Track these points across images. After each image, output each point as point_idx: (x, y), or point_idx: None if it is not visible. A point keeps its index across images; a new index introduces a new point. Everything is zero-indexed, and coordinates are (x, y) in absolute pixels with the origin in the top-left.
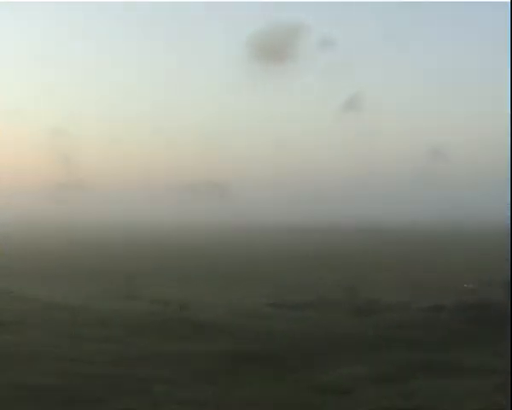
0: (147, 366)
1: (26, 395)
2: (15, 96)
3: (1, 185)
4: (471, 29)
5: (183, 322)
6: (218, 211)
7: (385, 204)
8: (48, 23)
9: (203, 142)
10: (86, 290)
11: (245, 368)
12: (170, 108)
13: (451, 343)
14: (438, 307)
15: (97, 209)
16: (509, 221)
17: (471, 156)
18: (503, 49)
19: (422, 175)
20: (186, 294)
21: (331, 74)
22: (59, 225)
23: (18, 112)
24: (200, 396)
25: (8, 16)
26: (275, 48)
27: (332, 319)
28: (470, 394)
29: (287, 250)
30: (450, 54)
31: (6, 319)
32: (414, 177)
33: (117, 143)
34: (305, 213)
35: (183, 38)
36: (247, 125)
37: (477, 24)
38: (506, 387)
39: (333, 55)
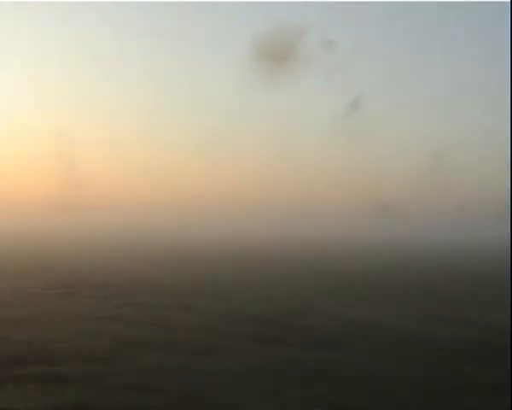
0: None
1: None
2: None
3: None
4: (471, 29)
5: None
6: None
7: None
8: (51, 23)
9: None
10: (392, 310)
11: None
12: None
13: None
14: None
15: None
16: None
17: (471, 158)
18: (503, 49)
19: (423, 179)
20: (497, 317)
21: (335, 75)
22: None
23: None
24: None
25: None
26: (279, 49)
27: None
28: None
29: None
30: (451, 54)
31: (327, 336)
32: (415, 181)
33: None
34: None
35: (186, 39)
36: (249, 124)
37: (477, 24)
38: (506, 387)
39: (336, 57)
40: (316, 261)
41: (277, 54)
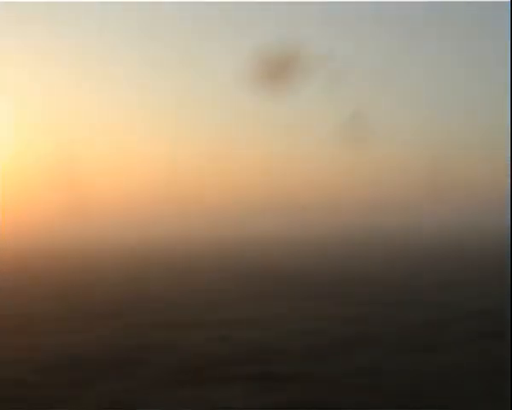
0: None
1: None
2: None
3: None
4: (471, 29)
5: None
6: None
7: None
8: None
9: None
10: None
11: None
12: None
13: None
14: None
15: None
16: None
17: (471, 158)
18: (503, 49)
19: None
20: None
21: (333, 88)
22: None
23: None
24: None
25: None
26: (278, 59)
27: None
28: None
29: None
30: (450, 54)
31: None
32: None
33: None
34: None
35: (183, 53)
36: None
37: (477, 24)
38: (506, 387)
39: (337, 66)
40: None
41: (277, 64)
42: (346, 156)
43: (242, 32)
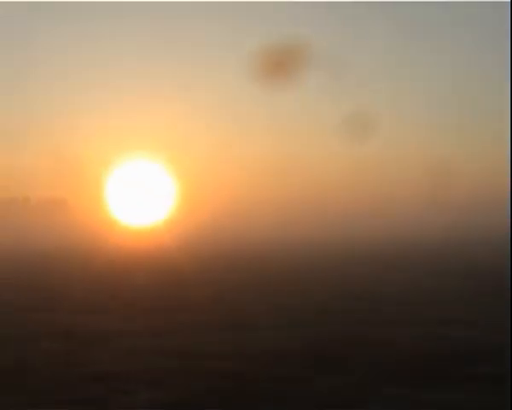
0: None
1: None
2: None
3: None
4: (471, 29)
5: None
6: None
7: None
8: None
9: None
10: None
11: None
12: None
13: None
14: None
15: None
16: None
17: (472, 158)
18: (503, 49)
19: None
20: None
21: (337, 82)
22: None
23: None
24: None
25: None
26: (276, 61)
27: None
28: None
29: None
30: (450, 54)
31: None
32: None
33: None
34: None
35: (188, 42)
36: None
37: (477, 24)
38: (506, 387)
39: (338, 63)
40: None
41: (279, 60)
42: (347, 155)
43: (242, 31)
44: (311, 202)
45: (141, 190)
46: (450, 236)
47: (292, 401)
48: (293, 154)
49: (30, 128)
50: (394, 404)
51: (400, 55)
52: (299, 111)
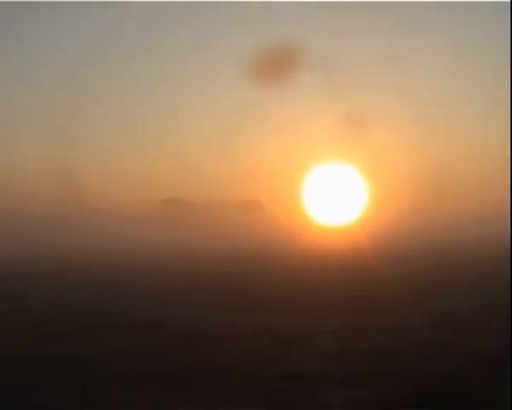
0: None
1: None
2: None
3: None
4: (471, 29)
5: None
6: None
7: None
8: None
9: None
10: None
11: None
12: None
13: None
14: None
15: None
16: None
17: (471, 159)
18: (503, 49)
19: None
20: None
21: (331, 88)
22: None
23: None
24: None
25: None
26: (274, 61)
27: None
28: None
29: None
30: (450, 54)
31: None
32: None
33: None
34: None
35: (185, 42)
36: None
37: (477, 24)
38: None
39: (332, 70)
40: None
41: (275, 62)
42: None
43: (241, 30)
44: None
45: (335, 191)
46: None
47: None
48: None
49: (226, 133)
50: None
51: (400, 55)
52: None
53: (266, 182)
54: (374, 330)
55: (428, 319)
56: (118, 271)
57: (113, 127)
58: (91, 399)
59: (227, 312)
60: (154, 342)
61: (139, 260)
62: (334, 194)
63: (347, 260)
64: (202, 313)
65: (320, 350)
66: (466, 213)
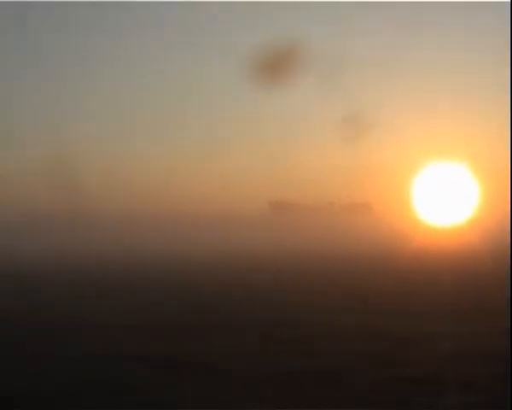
0: None
1: None
2: None
3: None
4: (471, 29)
5: None
6: None
7: None
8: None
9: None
10: None
11: None
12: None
13: None
14: None
15: None
16: None
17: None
18: (502, 49)
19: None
20: None
21: (330, 89)
22: None
23: None
24: None
25: None
26: (272, 62)
27: None
28: None
29: None
30: (450, 55)
31: None
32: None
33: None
34: None
35: (184, 44)
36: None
37: (477, 24)
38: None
39: (331, 70)
40: None
41: (274, 63)
42: (345, 154)
43: (240, 30)
44: None
45: (445, 191)
46: None
47: None
48: None
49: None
50: None
51: (400, 55)
52: None
53: (375, 183)
54: (489, 333)
55: None
56: (233, 272)
57: (203, 131)
58: (216, 399)
59: (343, 314)
60: (276, 343)
61: (251, 262)
62: (445, 194)
63: (459, 262)
64: (319, 314)
65: (436, 353)
66: None
